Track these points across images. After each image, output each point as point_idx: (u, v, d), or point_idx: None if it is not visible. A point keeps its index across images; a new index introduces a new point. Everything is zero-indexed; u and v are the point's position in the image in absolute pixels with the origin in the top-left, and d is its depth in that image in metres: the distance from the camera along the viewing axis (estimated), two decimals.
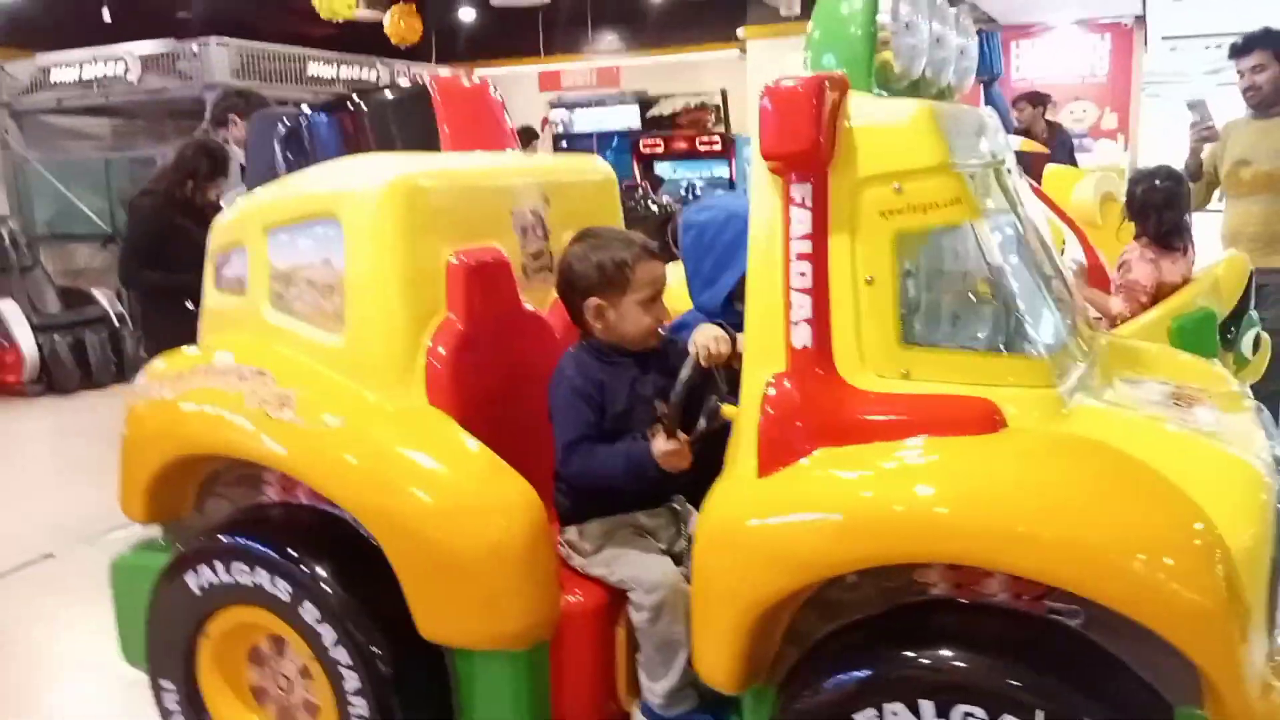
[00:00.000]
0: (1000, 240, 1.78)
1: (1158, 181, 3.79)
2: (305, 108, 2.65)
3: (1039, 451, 1.61)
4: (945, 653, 1.60)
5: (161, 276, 4.39)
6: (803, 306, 1.72)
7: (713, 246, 2.42)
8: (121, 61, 8.30)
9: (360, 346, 2.15)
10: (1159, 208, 3.72)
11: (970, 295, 1.76)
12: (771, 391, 1.76)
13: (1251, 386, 2.51)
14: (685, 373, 2.00)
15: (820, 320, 1.72)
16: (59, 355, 7.72)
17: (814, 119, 1.66)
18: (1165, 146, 8.75)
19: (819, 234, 1.71)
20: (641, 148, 10.25)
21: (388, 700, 2.12)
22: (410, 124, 2.48)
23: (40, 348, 7.64)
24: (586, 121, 10.85)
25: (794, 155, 1.69)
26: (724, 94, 10.13)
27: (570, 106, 10.91)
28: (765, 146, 1.71)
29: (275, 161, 2.58)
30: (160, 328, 4.58)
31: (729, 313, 2.44)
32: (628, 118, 10.67)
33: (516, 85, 11.33)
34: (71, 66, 8.54)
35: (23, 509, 5.00)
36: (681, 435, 1.99)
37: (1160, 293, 3.64)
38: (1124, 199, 3.96)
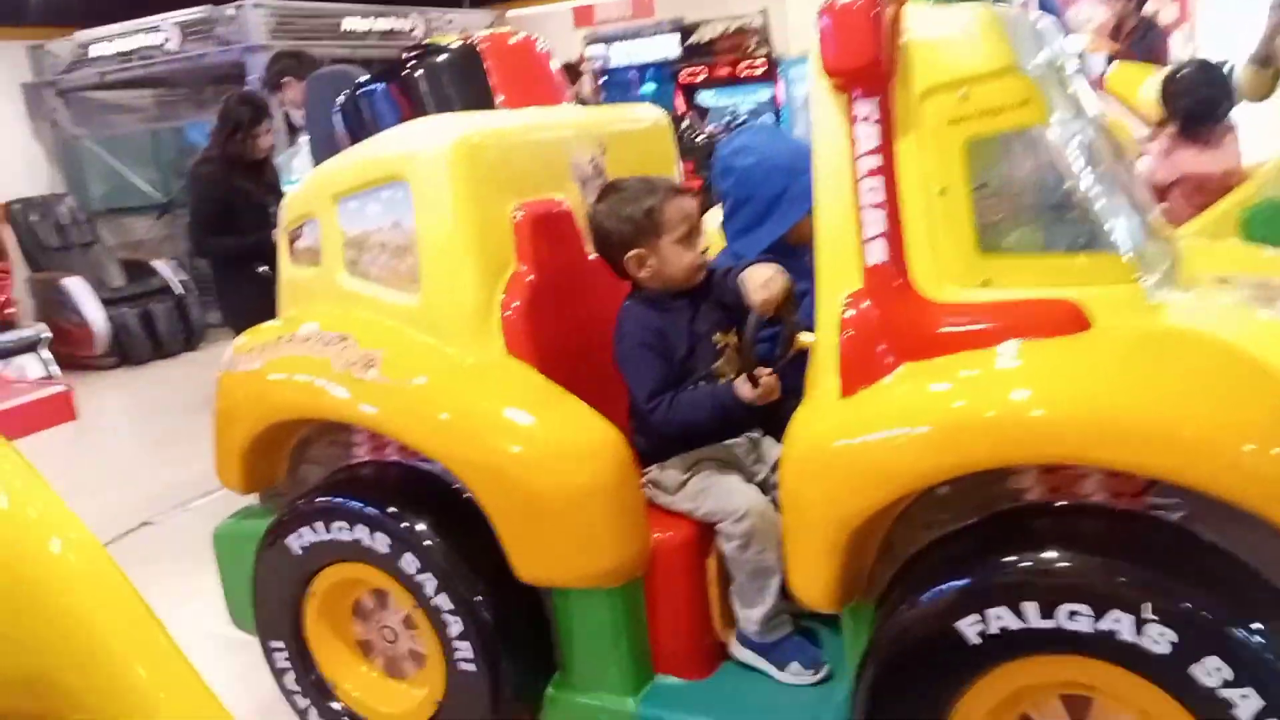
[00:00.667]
0: (1071, 139, 1.75)
1: (1191, 70, 3.70)
2: (360, 78, 2.67)
3: (1131, 345, 1.60)
4: (1046, 554, 1.60)
5: (234, 241, 4.45)
6: (875, 223, 1.72)
7: (751, 197, 2.41)
8: (159, 31, 8.18)
9: (437, 303, 2.20)
10: (1180, 96, 3.63)
11: (1045, 197, 1.74)
12: (850, 312, 1.77)
13: None
14: (751, 321, 2.02)
15: (894, 235, 1.72)
16: (129, 328, 7.86)
17: (874, 33, 1.65)
18: (1228, 39, 8.37)
19: (887, 148, 1.71)
20: (683, 77, 9.98)
21: (491, 642, 2.18)
22: (463, 83, 2.50)
23: (111, 321, 7.77)
24: (624, 55, 10.59)
25: (856, 71, 1.68)
26: (764, 15, 9.83)
27: (607, 41, 10.65)
28: (827, 63, 1.70)
29: (334, 131, 2.62)
30: (234, 293, 4.67)
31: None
32: (666, 48, 10.35)
33: (551, 24, 11.10)
34: (110, 40, 8.44)
35: (115, 480, 5.09)
36: (762, 371, 2.01)
37: (1195, 184, 3.56)
38: (1160, 88, 3.88)
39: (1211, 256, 2.15)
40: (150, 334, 7.98)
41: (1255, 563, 1.54)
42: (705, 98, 9.81)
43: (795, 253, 2.25)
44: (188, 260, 8.21)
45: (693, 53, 10.20)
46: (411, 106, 2.51)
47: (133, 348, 7.89)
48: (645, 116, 2.87)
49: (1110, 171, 1.86)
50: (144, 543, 4.26)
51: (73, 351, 7.64)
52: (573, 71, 6.94)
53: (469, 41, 2.58)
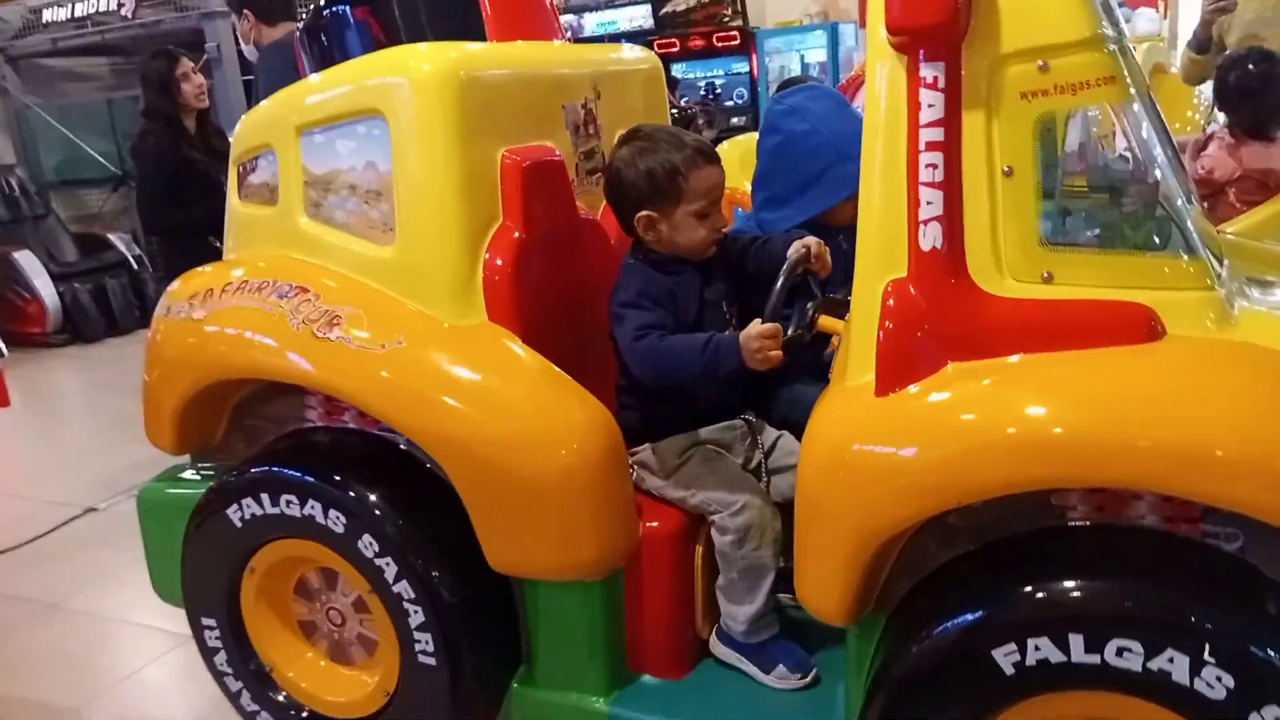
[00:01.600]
0: (1148, 124, 1.58)
1: (1251, 66, 3.55)
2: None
3: (1207, 361, 1.44)
4: (1098, 582, 1.46)
5: (184, 214, 4.20)
6: (933, 203, 1.52)
7: (794, 167, 2.21)
8: None
9: (414, 257, 1.95)
10: (1255, 94, 3.49)
11: (1120, 188, 1.57)
12: (892, 300, 1.58)
13: None
14: (784, 274, 1.83)
15: (953, 218, 1.52)
16: (81, 303, 7.62)
17: None
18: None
19: (952, 119, 1.50)
20: (656, 48, 9.79)
21: (455, 635, 1.99)
22: (448, 10, 2.22)
23: (61, 297, 7.53)
24: (597, 24, 10.33)
25: (926, 29, 1.47)
26: None
27: (578, 11, 10.36)
28: (892, 18, 1.48)
29: (297, 56, 2.31)
30: (183, 267, 4.36)
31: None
32: (639, 17, 10.15)
33: None
34: (63, 5, 8.11)
35: (61, 463, 4.87)
36: (771, 331, 1.81)
37: (1256, 181, 3.46)
38: (1214, 87, 3.73)
39: (1256, 256, 2.02)
40: (104, 310, 7.72)
41: None
42: (679, 69, 9.59)
43: (828, 233, 2.06)
44: (143, 234, 7.88)
45: (666, 23, 9.98)
46: (385, 32, 2.23)
47: (85, 324, 7.63)
48: (640, 58, 2.64)
49: (1176, 161, 1.69)
50: (87, 529, 3.97)
51: (22, 328, 7.38)
52: None
53: None
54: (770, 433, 2.17)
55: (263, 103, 2.15)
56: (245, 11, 3.92)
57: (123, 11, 7.90)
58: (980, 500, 1.51)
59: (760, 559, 1.99)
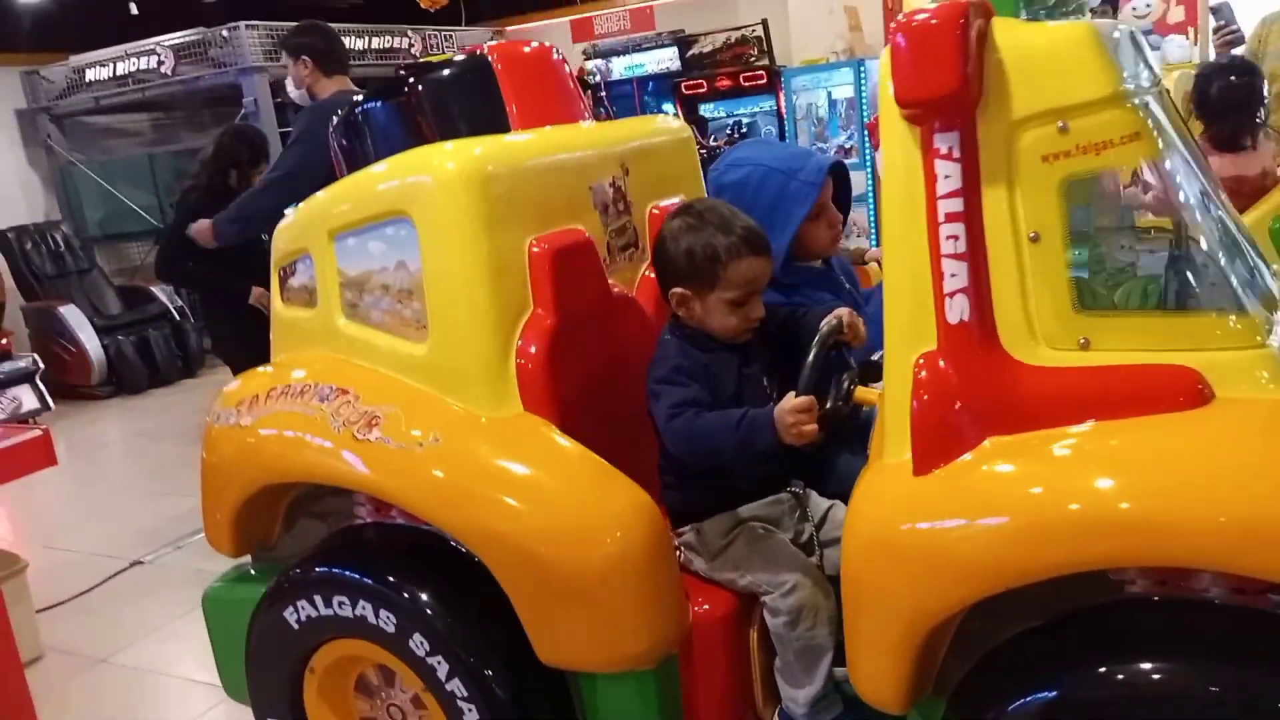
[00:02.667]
0: (1181, 176, 1.51)
1: (1233, 77, 3.47)
2: (358, 96, 2.42)
3: (1261, 426, 1.36)
4: (1161, 662, 1.38)
5: (201, 271, 4.37)
6: (957, 275, 1.48)
7: (752, 209, 2.19)
8: (154, 54, 8.20)
9: (447, 352, 1.96)
10: (1236, 106, 3.41)
11: (1155, 245, 1.51)
12: (924, 375, 1.53)
13: None
14: (816, 345, 1.79)
15: (979, 288, 1.48)
16: (125, 355, 7.82)
17: (959, 55, 1.40)
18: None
19: (971, 189, 1.46)
20: (683, 89, 9.84)
21: None
22: (472, 101, 2.25)
23: (106, 349, 7.73)
24: (625, 68, 10.49)
25: (937, 100, 1.44)
26: (765, 24, 9.67)
27: (606, 55, 10.54)
28: (902, 92, 1.45)
29: (333, 155, 2.37)
30: (221, 320, 4.56)
31: (787, 273, 2.23)
32: (666, 60, 10.27)
33: (550, 37, 11.03)
34: (105, 65, 8.45)
35: (107, 515, 4.98)
36: (807, 405, 1.76)
37: (1231, 188, 3.36)
38: (1194, 97, 3.65)
39: None
40: (147, 361, 7.91)
41: None
42: (707, 110, 9.64)
43: (825, 277, 2.05)
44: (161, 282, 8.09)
45: (693, 65, 10.04)
46: (414, 127, 2.27)
47: (129, 376, 7.82)
48: (666, 129, 2.63)
49: (1219, 206, 1.61)
50: (133, 582, 4.06)
51: (68, 380, 7.59)
52: (580, 84, 6.75)
53: (477, 52, 2.33)
54: (820, 503, 2.12)
55: (298, 208, 2.20)
56: (304, 57, 4.02)
57: (163, 69, 8.19)
58: (1030, 582, 1.44)
59: (815, 639, 1.93)
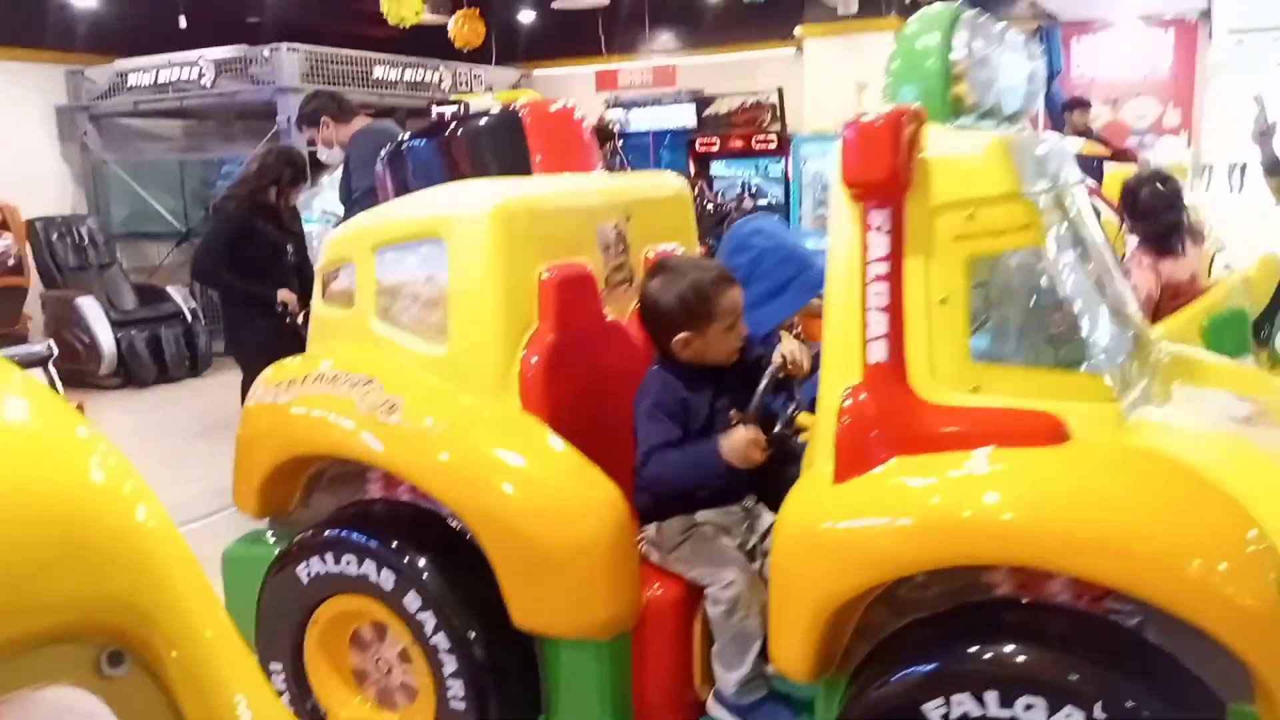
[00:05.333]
0: (1066, 261, 1.89)
1: (1159, 185, 3.83)
2: (405, 134, 2.83)
3: (1100, 462, 1.73)
4: (1010, 647, 1.73)
5: (232, 278, 4.64)
6: (879, 324, 1.85)
7: (765, 276, 2.55)
8: (196, 66, 8.47)
9: (461, 356, 2.32)
10: (1161, 210, 3.76)
11: (1037, 315, 1.88)
12: (848, 403, 1.89)
13: None
14: (766, 377, 2.15)
15: (895, 337, 1.85)
16: (136, 350, 7.98)
17: (892, 150, 1.79)
18: (1229, 142, 8.63)
19: (895, 257, 1.84)
20: (697, 146, 10.31)
21: (482, 683, 2.28)
22: (502, 147, 2.65)
23: (118, 342, 7.89)
24: (643, 120, 10.95)
25: (873, 184, 1.82)
26: (780, 92, 10.16)
27: (626, 106, 11.01)
28: (846, 175, 1.84)
29: (379, 180, 2.77)
30: (241, 327, 4.85)
31: (772, 336, 2.59)
32: (683, 116, 10.72)
33: (573, 85, 11.47)
34: (148, 71, 8.74)
35: None
36: (750, 432, 2.12)
37: (1170, 292, 3.70)
38: (1122, 202, 4.00)
39: (1192, 367, 2.28)
40: (156, 358, 8.09)
41: (1201, 672, 1.66)
42: (717, 167, 10.11)
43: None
44: (199, 288, 8.32)
45: (708, 123, 10.50)
46: (453, 164, 2.66)
47: (138, 369, 8.00)
48: (668, 185, 3.01)
49: (1102, 287, 1.99)
50: None
51: (78, 369, 7.73)
52: (604, 134, 7.13)
53: (512, 108, 2.73)
54: (768, 518, 2.45)
55: (346, 223, 2.58)
56: (323, 119, 4.41)
57: (202, 81, 8.47)
58: (915, 573, 1.80)
59: (748, 628, 2.25)
